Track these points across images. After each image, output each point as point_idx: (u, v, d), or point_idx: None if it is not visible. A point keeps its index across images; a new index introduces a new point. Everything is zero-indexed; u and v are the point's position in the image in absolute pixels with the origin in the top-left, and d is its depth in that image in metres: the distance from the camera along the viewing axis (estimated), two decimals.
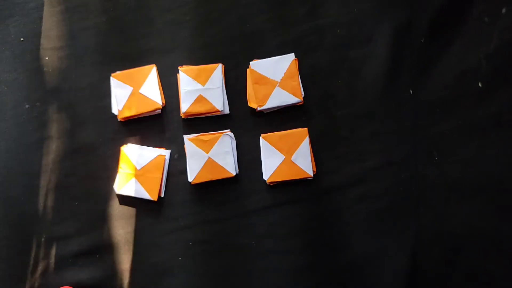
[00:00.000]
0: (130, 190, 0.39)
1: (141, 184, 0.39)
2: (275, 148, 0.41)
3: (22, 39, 0.42)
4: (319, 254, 0.40)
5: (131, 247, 0.40)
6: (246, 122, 0.42)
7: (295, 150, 0.40)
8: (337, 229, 0.40)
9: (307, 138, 0.41)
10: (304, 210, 0.41)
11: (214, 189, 0.41)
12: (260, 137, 0.41)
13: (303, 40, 0.43)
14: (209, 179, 0.40)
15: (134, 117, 0.41)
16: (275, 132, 0.41)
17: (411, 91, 0.42)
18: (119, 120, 0.41)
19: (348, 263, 0.40)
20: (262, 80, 0.41)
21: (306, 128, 0.41)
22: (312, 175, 0.40)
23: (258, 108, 0.41)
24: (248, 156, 0.41)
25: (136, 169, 0.39)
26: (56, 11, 0.43)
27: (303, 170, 0.40)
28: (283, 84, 0.41)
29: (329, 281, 0.40)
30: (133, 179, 0.39)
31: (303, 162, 0.40)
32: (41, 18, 0.43)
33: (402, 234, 0.40)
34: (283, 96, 0.41)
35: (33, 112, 0.41)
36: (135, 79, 0.41)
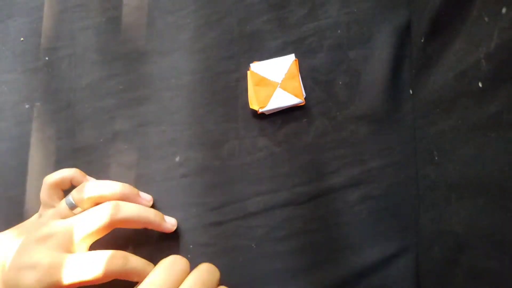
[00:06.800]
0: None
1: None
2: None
3: (22, 39, 0.42)
4: (319, 255, 0.40)
5: (132, 250, 0.39)
6: (248, 124, 0.42)
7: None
8: (337, 230, 0.40)
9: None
10: (304, 212, 0.41)
11: (214, 191, 0.41)
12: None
13: (303, 41, 0.43)
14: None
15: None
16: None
17: (411, 91, 0.42)
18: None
19: (349, 264, 0.40)
20: (263, 81, 0.41)
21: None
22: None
23: (260, 110, 0.41)
24: (249, 158, 0.41)
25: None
26: (56, 11, 0.43)
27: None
28: (284, 85, 0.41)
29: (330, 283, 0.39)
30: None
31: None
32: (41, 18, 0.42)
33: (403, 234, 0.40)
34: (285, 97, 0.41)
35: (33, 112, 0.41)
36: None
